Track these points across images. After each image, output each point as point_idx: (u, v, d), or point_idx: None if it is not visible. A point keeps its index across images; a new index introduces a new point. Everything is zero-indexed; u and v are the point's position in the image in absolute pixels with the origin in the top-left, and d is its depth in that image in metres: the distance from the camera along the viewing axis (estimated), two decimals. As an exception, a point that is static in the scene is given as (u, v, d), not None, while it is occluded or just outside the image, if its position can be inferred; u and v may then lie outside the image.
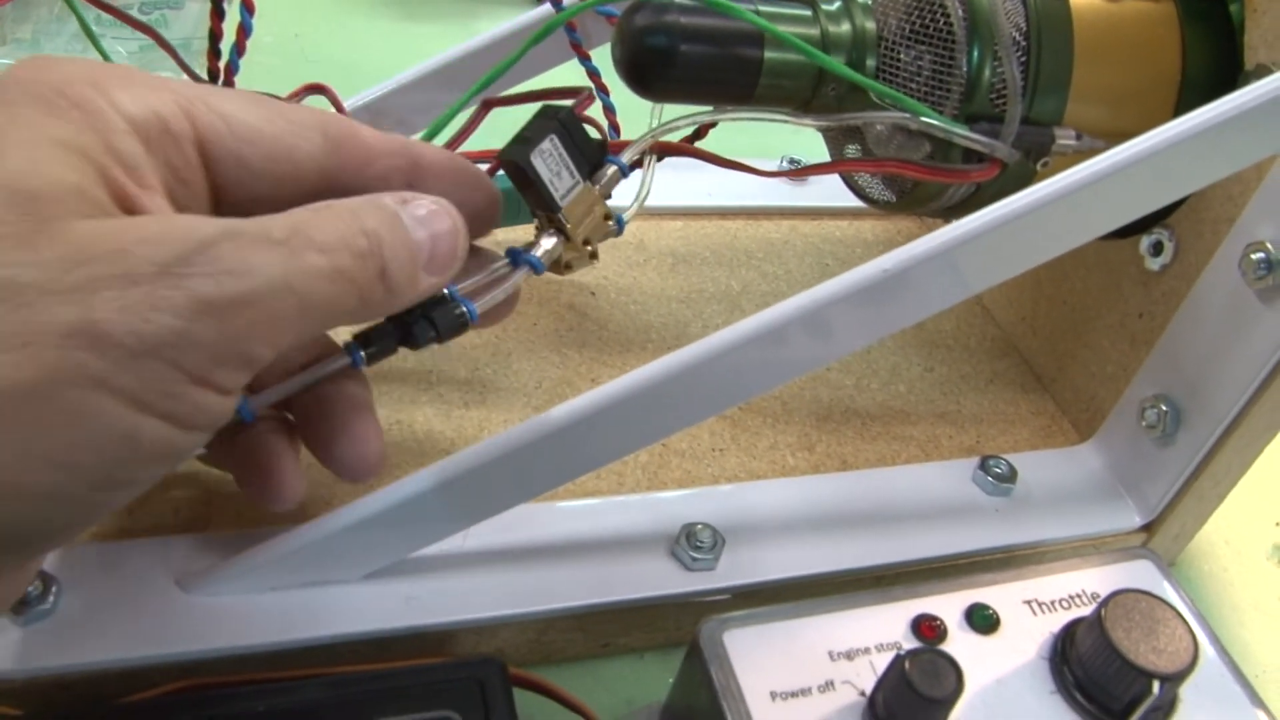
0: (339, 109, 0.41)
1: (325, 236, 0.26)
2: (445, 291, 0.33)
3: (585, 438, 0.34)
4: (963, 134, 0.38)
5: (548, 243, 0.34)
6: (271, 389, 0.33)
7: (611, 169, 0.35)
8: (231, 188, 0.28)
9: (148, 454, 0.23)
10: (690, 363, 0.33)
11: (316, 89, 0.41)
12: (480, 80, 0.40)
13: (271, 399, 0.33)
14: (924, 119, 0.37)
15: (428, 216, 0.29)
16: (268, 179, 0.29)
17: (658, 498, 0.42)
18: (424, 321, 0.32)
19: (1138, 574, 0.39)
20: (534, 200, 0.34)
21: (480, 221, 0.34)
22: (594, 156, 0.35)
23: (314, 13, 0.85)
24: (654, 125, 0.38)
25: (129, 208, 0.24)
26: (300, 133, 0.29)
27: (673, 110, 0.38)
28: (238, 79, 0.38)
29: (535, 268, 0.34)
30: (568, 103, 0.36)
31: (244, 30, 0.37)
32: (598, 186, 0.35)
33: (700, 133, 0.40)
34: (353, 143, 0.31)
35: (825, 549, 0.41)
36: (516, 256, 0.34)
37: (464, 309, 0.33)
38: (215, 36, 0.38)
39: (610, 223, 0.35)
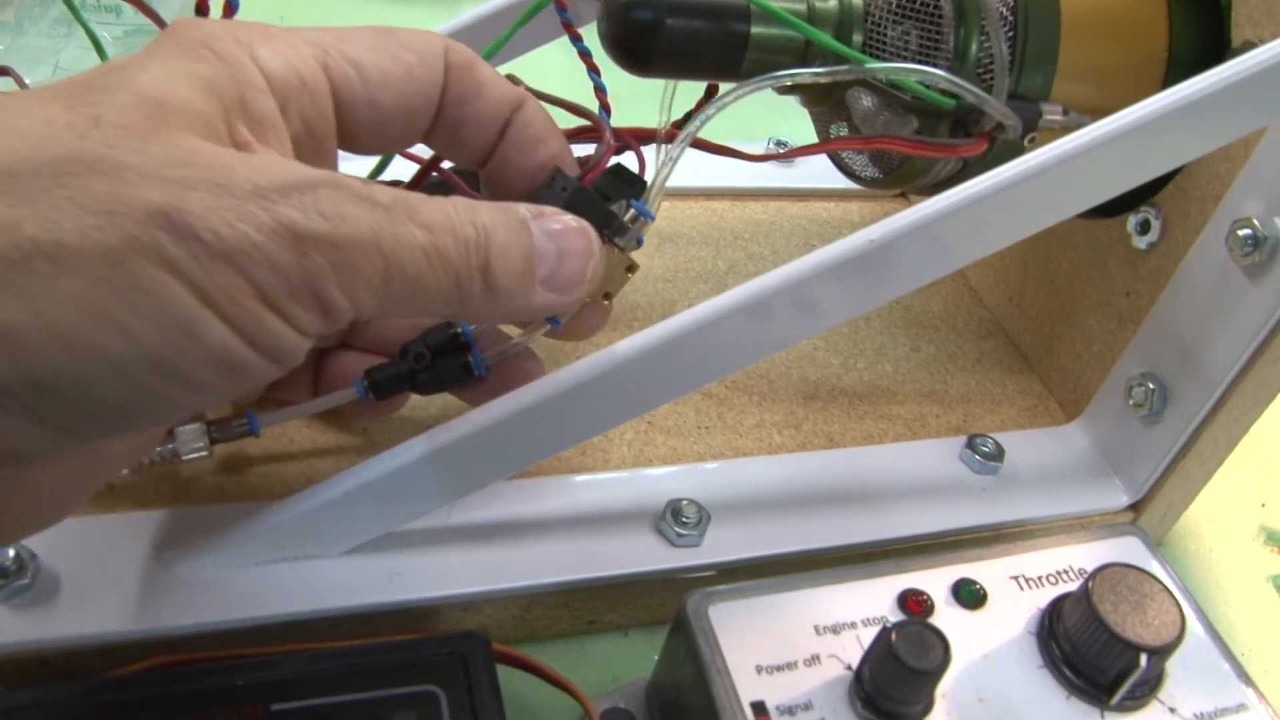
0: None
1: (431, 215, 0.26)
2: (459, 330, 0.35)
3: (571, 410, 0.34)
4: (956, 81, 0.36)
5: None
6: (279, 412, 0.35)
7: (637, 221, 0.34)
8: (362, 131, 0.29)
9: (209, 355, 0.23)
10: (675, 334, 0.33)
11: None
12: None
13: (278, 419, 0.35)
14: (912, 67, 0.37)
15: (561, 231, 0.29)
16: (396, 117, 0.29)
17: (643, 474, 0.42)
18: (432, 371, 0.35)
19: (1125, 549, 0.39)
20: None
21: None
22: (610, 220, 0.33)
23: (299, -6, 0.85)
24: (665, 117, 0.37)
25: (238, 143, 0.25)
26: (425, 65, 0.30)
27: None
28: None
29: (553, 325, 0.34)
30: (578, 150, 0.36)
31: (230, 7, 0.36)
32: (621, 247, 0.34)
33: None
34: (467, 74, 0.31)
35: (811, 525, 0.41)
36: None
37: (471, 359, 0.35)
38: (202, 11, 0.37)
39: (629, 272, 0.35)
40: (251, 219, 0.23)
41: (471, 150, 0.33)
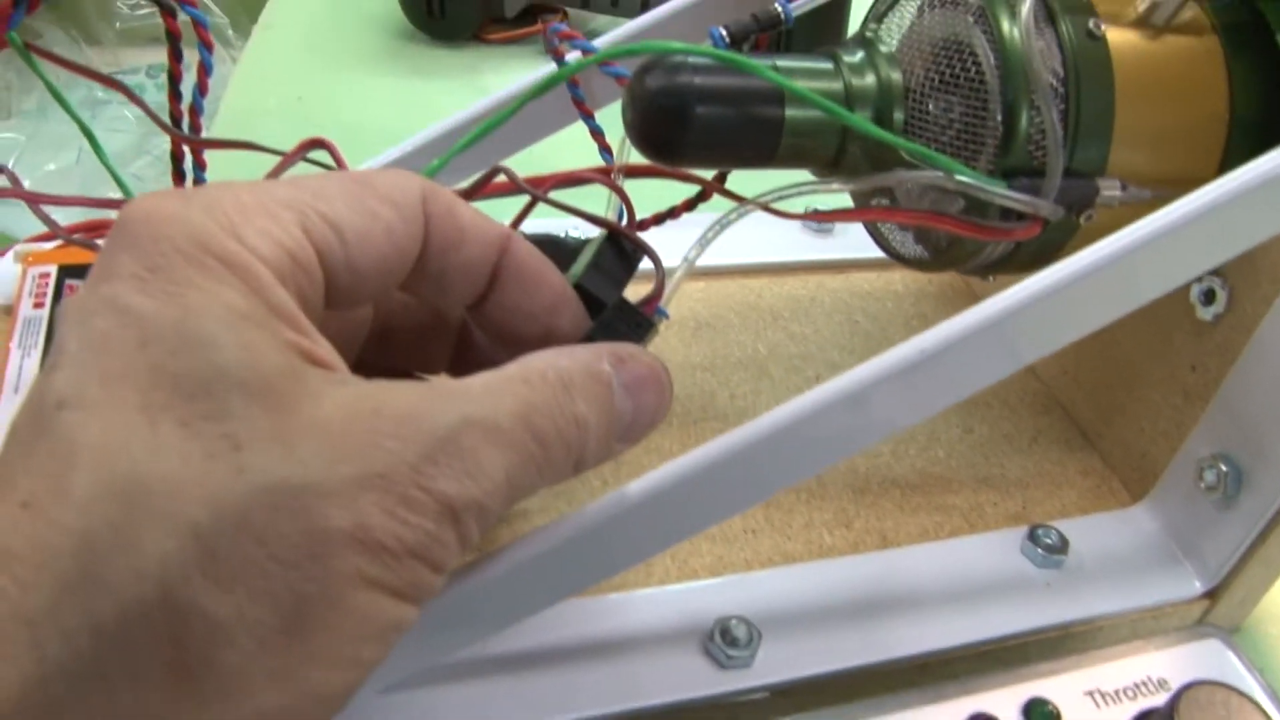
0: (341, 166, 0.39)
1: (544, 425, 0.26)
2: None
3: (619, 534, 0.32)
4: (1002, 193, 0.35)
5: None
6: None
7: (655, 327, 0.32)
8: (341, 293, 0.27)
9: (398, 637, 0.24)
10: (722, 456, 0.31)
11: (318, 144, 0.38)
12: (473, 132, 0.37)
13: None
14: (961, 178, 0.35)
15: (637, 384, 0.29)
16: (372, 278, 0.28)
17: (688, 588, 0.39)
18: None
19: (1206, 656, 0.36)
20: None
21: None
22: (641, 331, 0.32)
23: (316, 74, 0.84)
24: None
25: (314, 360, 0.24)
26: (405, 217, 0.28)
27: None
28: (204, 120, 0.37)
29: None
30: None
31: (204, 68, 0.35)
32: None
33: (704, 194, 0.38)
34: (448, 222, 0.29)
35: (868, 637, 0.39)
36: None
37: None
38: (174, 79, 0.36)
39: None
40: (420, 507, 0.23)
41: (458, 297, 0.31)
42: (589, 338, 0.31)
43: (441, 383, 0.26)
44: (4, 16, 0.31)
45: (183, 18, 0.35)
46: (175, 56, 0.35)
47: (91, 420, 0.21)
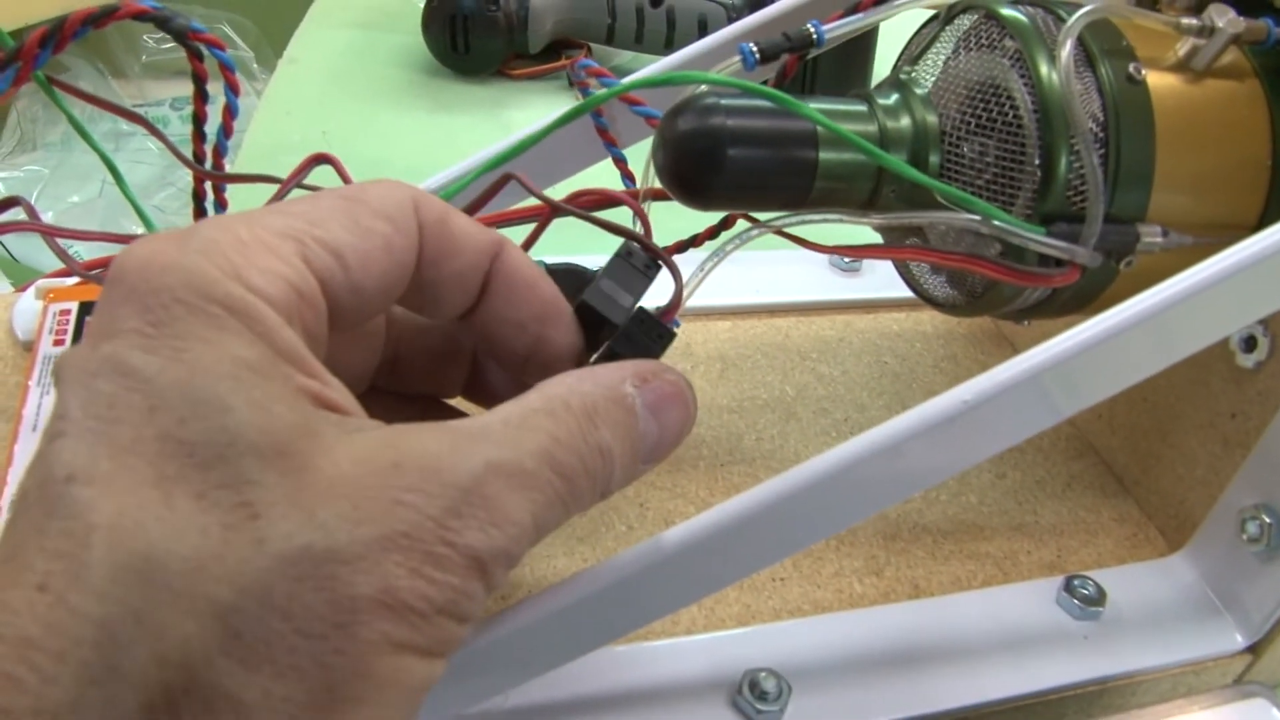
0: (346, 182, 0.38)
1: (569, 461, 0.26)
2: None
3: (649, 587, 0.31)
4: (1040, 239, 0.34)
5: None
6: None
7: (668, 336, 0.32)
8: (346, 315, 0.27)
9: (428, 691, 0.24)
10: (756, 508, 0.30)
11: (321, 160, 0.38)
12: (495, 156, 0.37)
13: None
14: (998, 223, 0.34)
15: (661, 403, 0.28)
16: (376, 296, 0.27)
17: (715, 638, 0.38)
18: None
19: (1252, 716, 0.35)
20: None
21: (545, 357, 0.32)
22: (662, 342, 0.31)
23: (341, 109, 0.84)
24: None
25: (326, 405, 0.24)
26: (401, 230, 0.27)
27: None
28: (227, 160, 0.38)
29: None
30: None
31: (229, 111, 0.35)
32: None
33: (727, 222, 0.37)
34: (441, 230, 0.29)
35: (899, 691, 0.38)
36: None
37: None
38: (199, 120, 0.36)
39: None
40: (446, 564, 0.23)
41: (451, 308, 0.30)
42: (611, 352, 0.30)
43: (461, 425, 0.25)
44: (31, 55, 0.31)
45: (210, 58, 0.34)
46: (201, 98, 0.35)
47: (104, 497, 0.20)
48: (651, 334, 0.31)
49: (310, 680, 0.21)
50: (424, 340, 0.34)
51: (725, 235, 0.37)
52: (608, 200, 0.36)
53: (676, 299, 0.32)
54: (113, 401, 0.21)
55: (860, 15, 0.38)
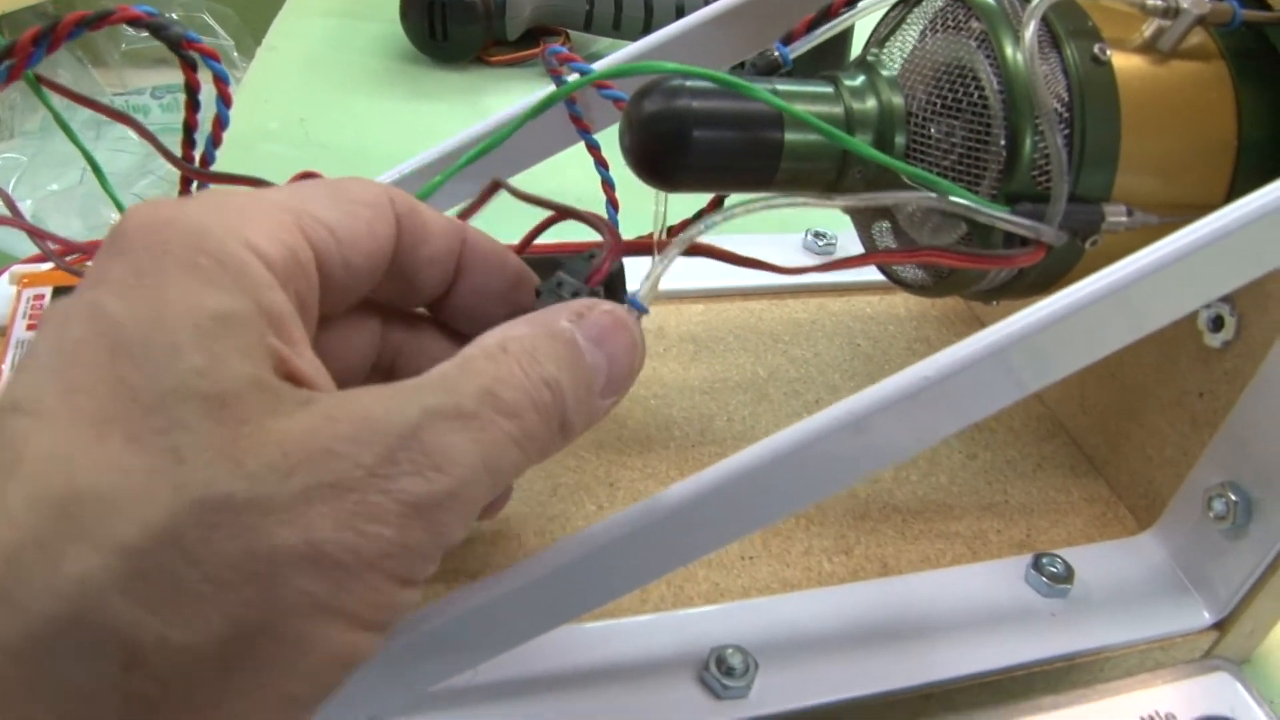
0: None
1: (511, 395, 0.25)
2: None
3: (614, 561, 0.31)
4: (1005, 217, 0.35)
5: None
6: None
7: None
8: (336, 293, 0.27)
9: (349, 670, 0.23)
10: (720, 482, 0.30)
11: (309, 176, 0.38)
12: (472, 151, 0.37)
13: None
14: (959, 200, 0.34)
15: (603, 334, 0.28)
16: (363, 274, 0.27)
17: (684, 616, 0.39)
18: None
19: (1215, 690, 0.35)
20: None
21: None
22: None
23: (319, 96, 0.84)
24: (660, 221, 0.35)
25: (289, 373, 0.23)
26: (380, 216, 0.28)
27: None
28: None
29: None
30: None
31: (219, 122, 0.35)
32: None
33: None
34: (413, 220, 0.29)
35: (868, 667, 0.38)
36: None
37: None
38: (189, 128, 0.36)
39: None
40: (378, 512, 0.22)
41: (426, 293, 0.31)
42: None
43: (401, 382, 0.24)
44: (24, 55, 0.31)
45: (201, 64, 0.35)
46: (193, 108, 0.36)
47: (40, 431, 0.20)
48: (576, 290, 0.31)
49: (213, 632, 0.20)
50: (419, 344, 0.34)
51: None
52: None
53: (605, 260, 0.32)
54: (79, 344, 0.21)
55: (825, 26, 0.38)
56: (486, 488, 0.24)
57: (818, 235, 0.60)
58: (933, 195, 0.35)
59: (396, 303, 0.33)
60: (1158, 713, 0.34)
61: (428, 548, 0.23)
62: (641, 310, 0.31)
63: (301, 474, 0.21)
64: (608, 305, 0.28)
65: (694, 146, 0.34)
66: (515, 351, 0.26)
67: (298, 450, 0.21)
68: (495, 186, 0.35)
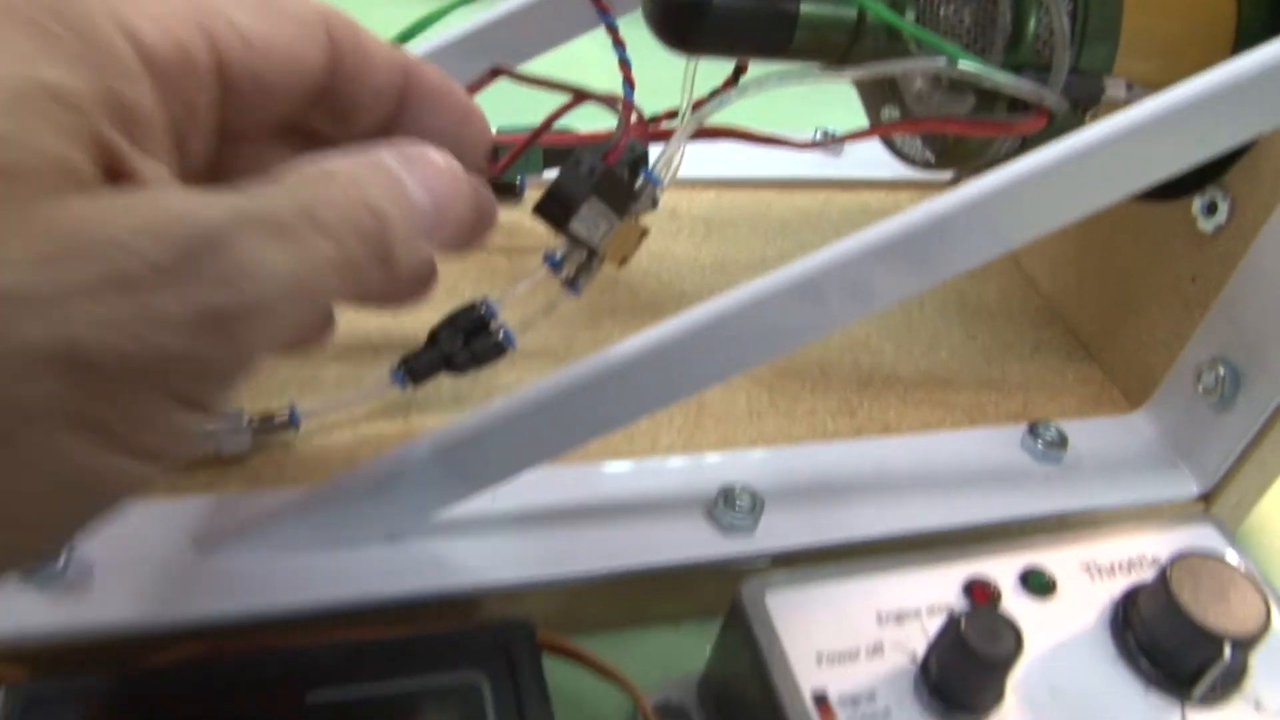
0: None
1: (332, 217, 0.22)
2: (483, 314, 0.36)
3: (615, 390, 0.33)
4: (1008, 79, 0.36)
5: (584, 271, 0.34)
6: (322, 407, 0.38)
7: (646, 188, 0.33)
8: (242, 111, 0.25)
9: (104, 498, 0.20)
10: (718, 315, 0.32)
11: None
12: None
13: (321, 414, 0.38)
14: (965, 64, 0.36)
15: (428, 178, 0.26)
16: (278, 93, 0.26)
17: (694, 459, 0.41)
18: (465, 351, 0.36)
19: (1200, 539, 0.37)
20: (570, 239, 0.33)
21: (468, 160, 0.29)
22: (628, 197, 0.33)
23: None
24: (685, 102, 0.36)
25: (117, 170, 0.20)
26: (309, 36, 0.26)
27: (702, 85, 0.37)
28: None
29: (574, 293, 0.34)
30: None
31: None
32: (634, 215, 0.33)
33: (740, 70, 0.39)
34: (354, 49, 0.27)
35: (869, 512, 0.40)
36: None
37: (503, 337, 0.37)
38: None
39: (643, 237, 0.34)
40: (164, 318, 0.19)
41: (363, 127, 0.29)
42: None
43: (217, 185, 0.21)
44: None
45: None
46: None
47: None
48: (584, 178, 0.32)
49: None
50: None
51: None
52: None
53: (621, 134, 0.33)
54: None
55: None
56: (296, 309, 0.21)
57: (826, 133, 0.61)
58: (941, 61, 0.36)
59: (329, 134, 0.30)
60: (1144, 555, 0.35)
61: (222, 365, 0.20)
62: (655, 182, 0.33)
63: (75, 263, 0.18)
64: (438, 152, 0.27)
65: (713, 13, 0.35)
66: (337, 175, 0.23)
67: (78, 237, 0.18)
68: (495, 73, 0.35)
